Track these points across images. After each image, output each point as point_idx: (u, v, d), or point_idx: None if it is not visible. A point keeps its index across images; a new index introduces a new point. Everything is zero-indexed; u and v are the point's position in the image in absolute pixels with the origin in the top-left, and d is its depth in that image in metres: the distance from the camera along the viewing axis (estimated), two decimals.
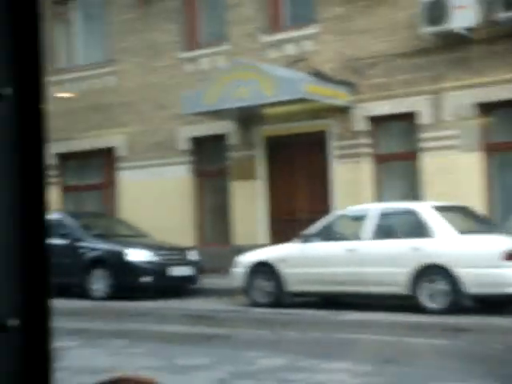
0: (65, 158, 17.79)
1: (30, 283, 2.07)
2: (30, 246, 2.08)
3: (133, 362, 7.68)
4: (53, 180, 17.34)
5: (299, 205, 14.99)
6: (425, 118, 13.55)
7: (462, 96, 12.98)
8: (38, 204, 2.12)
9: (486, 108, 12.99)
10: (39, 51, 1.97)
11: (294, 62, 14.78)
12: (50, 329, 2.09)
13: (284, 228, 14.62)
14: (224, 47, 15.81)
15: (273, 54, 15.26)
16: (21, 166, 1.92)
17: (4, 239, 1.98)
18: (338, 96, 14.27)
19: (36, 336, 2.07)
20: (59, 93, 17.24)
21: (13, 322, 1.95)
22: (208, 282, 13.62)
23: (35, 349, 2.08)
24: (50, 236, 2.16)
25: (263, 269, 11.79)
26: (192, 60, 16.31)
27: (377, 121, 14.20)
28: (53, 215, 13.44)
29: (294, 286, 11.52)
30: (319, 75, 14.34)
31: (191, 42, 16.45)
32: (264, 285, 11.75)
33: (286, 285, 11.52)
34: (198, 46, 16.37)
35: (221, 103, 14.22)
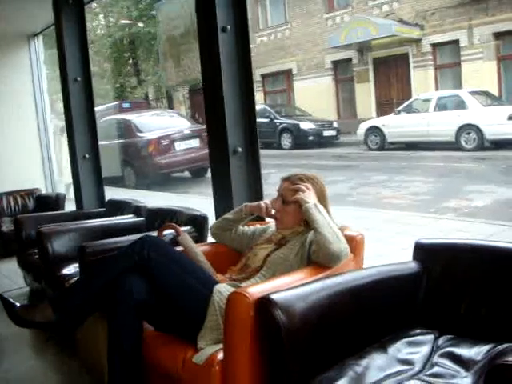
0: (265, 76, 19.11)
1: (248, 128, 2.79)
2: (245, 122, 2.84)
3: None
4: (259, 88, 18.71)
5: (393, 95, 15.75)
6: (462, 42, 14.25)
7: (484, 29, 13.61)
8: (248, 101, 2.90)
9: (497, 35, 13.58)
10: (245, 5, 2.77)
11: (387, 15, 15.72)
12: (257, 154, 2.87)
13: (385, 108, 15.44)
14: (349, 9, 16.92)
15: (375, 11, 16.27)
16: (242, 78, 2.70)
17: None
18: (413, 33, 15.12)
19: (250, 159, 2.86)
20: (261, 39, 18.87)
21: (240, 149, 2.83)
22: (344, 139, 14.30)
23: (250, 168, 2.90)
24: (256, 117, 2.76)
25: (374, 130, 12.39)
26: (331, 18, 17.40)
27: (434, 46, 14.76)
28: (260, 107, 14.70)
29: (391, 139, 12.11)
30: (402, 21, 15.21)
31: (330, 7, 17.52)
32: (375, 138, 12.35)
33: (386, 138, 12.13)
34: (334, 10, 17.41)
35: (348, 40, 15.69)
